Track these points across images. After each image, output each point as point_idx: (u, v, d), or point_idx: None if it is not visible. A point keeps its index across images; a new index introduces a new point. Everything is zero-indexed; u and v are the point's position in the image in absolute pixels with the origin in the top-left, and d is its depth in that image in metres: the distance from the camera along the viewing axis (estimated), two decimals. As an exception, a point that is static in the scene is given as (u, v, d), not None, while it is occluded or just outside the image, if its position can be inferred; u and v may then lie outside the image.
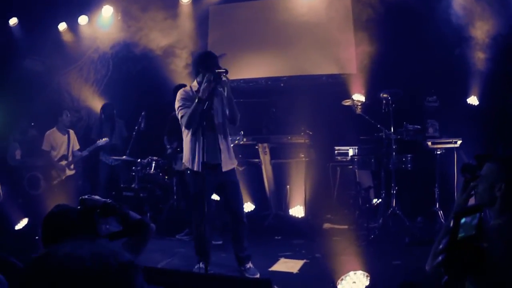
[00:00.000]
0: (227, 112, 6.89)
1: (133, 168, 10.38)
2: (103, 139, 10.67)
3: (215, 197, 7.75)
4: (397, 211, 8.66)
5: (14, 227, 8.40)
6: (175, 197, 10.20)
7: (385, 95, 8.91)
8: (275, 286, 5.41)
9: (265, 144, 10.34)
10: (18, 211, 8.64)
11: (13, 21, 11.61)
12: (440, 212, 8.65)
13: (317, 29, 11.19)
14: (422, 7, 9.93)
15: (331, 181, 10.52)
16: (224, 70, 6.54)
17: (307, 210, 10.04)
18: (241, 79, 11.71)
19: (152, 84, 11.67)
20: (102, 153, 11.05)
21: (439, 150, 8.99)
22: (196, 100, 6.58)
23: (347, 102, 9.43)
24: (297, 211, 10.11)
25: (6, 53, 11.52)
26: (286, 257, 7.95)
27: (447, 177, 8.89)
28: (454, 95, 9.83)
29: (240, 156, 10.15)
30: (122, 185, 10.63)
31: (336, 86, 10.91)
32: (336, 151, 10.37)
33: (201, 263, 6.80)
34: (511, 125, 9.24)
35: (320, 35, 11.24)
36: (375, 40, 10.34)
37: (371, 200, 9.69)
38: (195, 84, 6.96)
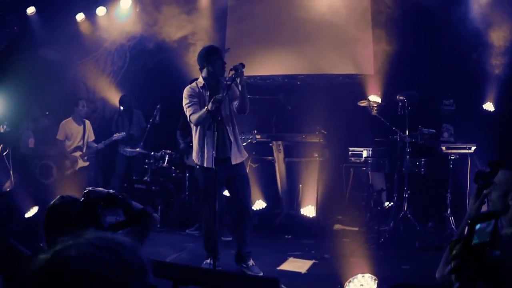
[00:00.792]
0: (236, 103, 6.90)
1: (146, 160, 10.39)
2: (120, 133, 10.69)
3: (226, 193, 7.75)
4: (409, 215, 8.61)
5: (24, 215, 8.42)
6: (187, 191, 10.19)
7: (401, 98, 8.86)
8: (282, 285, 5.38)
9: (279, 142, 10.29)
10: (29, 199, 8.66)
11: (30, 10, 11.62)
12: (452, 218, 8.57)
13: (336, 28, 11.13)
14: (440, 10, 9.86)
15: (343, 182, 10.49)
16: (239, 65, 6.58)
17: (318, 210, 10.00)
18: (257, 76, 11.67)
19: (168, 78, 11.64)
20: (120, 144, 11.06)
21: (453, 155, 8.91)
22: (205, 110, 6.65)
23: (363, 103, 9.38)
24: (309, 210, 10.07)
25: (23, 42, 11.55)
26: (295, 256, 7.95)
27: (460, 183, 8.82)
28: (470, 100, 9.77)
29: (253, 153, 10.16)
30: (134, 178, 10.65)
31: (353, 86, 10.87)
32: (350, 152, 10.31)
33: (209, 259, 6.79)
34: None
35: (338, 34, 11.19)
36: (393, 41, 10.28)
37: (383, 203, 9.65)
38: (200, 80, 7.01)
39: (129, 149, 10.79)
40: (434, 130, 9.11)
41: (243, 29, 11.92)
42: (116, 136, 10.66)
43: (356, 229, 9.43)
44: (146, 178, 10.25)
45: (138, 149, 10.47)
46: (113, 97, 12.18)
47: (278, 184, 10.51)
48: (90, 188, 3.21)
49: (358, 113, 9.74)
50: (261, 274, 6.84)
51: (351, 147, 10.27)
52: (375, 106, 9.30)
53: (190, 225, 9.57)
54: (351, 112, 10.03)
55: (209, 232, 6.89)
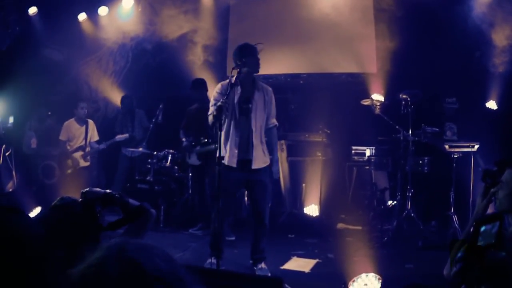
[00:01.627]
0: (268, 120, 7.01)
1: (149, 160, 10.38)
2: (123, 134, 10.70)
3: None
4: (412, 214, 8.60)
5: (26, 216, 8.41)
6: (189, 191, 10.18)
7: (404, 96, 8.85)
8: (286, 285, 5.38)
9: (282, 141, 10.29)
10: (32, 200, 8.65)
11: (32, 10, 11.61)
12: (455, 217, 8.54)
13: (338, 27, 11.12)
14: (443, 9, 9.85)
15: (347, 181, 10.48)
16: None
17: (321, 209, 10.00)
18: (260, 75, 11.64)
19: (171, 77, 11.65)
20: (122, 145, 11.06)
21: (456, 153, 8.88)
22: (210, 112, 6.79)
23: (366, 102, 9.37)
24: (312, 209, 10.07)
25: (25, 42, 11.55)
26: (299, 256, 7.95)
27: (463, 181, 8.81)
28: (473, 98, 9.76)
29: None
30: (137, 177, 10.64)
31: (356, 85, 10.85)
32: (353, 151, 10.31)
33: (213, 258, 6.77)
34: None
35: (341, 33, 11.18)
36: (396, 40, 10.27)
37: (386, 202, 9.63)
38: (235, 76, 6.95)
39: (131, 149, 10.78)
40: (437, 129, 9.09)
41: (246, 28, 11.89)
42: (119, 137, 10.68)
43: (360, 228, 9.43)
44: (149, 177, 10.23)
45: (140, 149, 10.46)
46: (116, 96, 12.16)
47: (281, 183, 10.49)
48: (87, 189, 3.21)
49: (361, 112, 9.72)
50: (269, 275, 6.83)
51: (354, 146, 10.28)
52: (378, 105, 9.29)
53: (193, 224, 9.57)
54: (354, 111, 10.01)
55: (216, 231, 6.86)
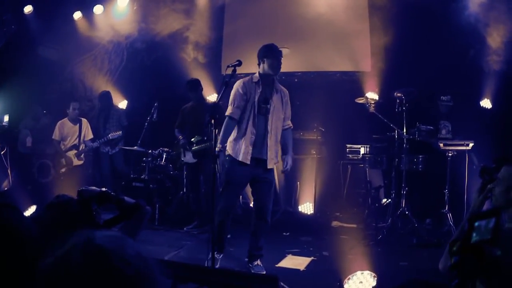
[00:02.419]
0: (284, 122, 7.12)
1: (144, 158, 10.37)
2: (116, 132, 10.68)
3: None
4: (406, 212, 8.61)
5: (21, 214, 8.40)
6: (184, 189, 10.18)
7: (399, 94, 8.85)
8: (281, 283, 5.39)
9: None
10: (27, 198, 8.64)
11: (28, 8, 11.59)
12: (449, 215, 8.57)
13: (333, 25, 11.14)
14: (438, 7, 9.88)
15: (341, 179, 10.49)
16: (236, 63, 6.60)
17: (316, 207, 10.03)
18: (254, 73, 11.66)
19: (166, 76, 11.66)
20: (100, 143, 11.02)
21: (450, 152, 8.90)
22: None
23: (360, 100, 9.39)
24: (306, 207, 10.09)
25: (21, 41, 11.53)
26: (294, 253, 7.95)
27: (457, 179, 8.84)
28: (468, 97, 9.78)
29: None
30: (132, 175, 10.64)
31: (350, 83, 10.89)
32: (347, 149, 10.34)
33: (215, 252, 6.73)
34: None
35: (335, 31, 11.20)
36: (391, 38, 10.29)
37: (381, 200, 9.67)
38: (256, 75, 6.94)
39: (108, 148, 10.88)
40: (431, 127, 9.09)
41: (240, 27, 11.91)
42: (113, 135, 10.65)
43: (354, 226, 9.44)
44: (143, 176, 10.23)
45: (135, 147, 10.41)
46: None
47: (275, 181, 10.50)
48: (83, 187, 3.23)
49: (356, 110, 9.74)
50: (264, 273, 6.83)
51: (349, 144, 10.31)
52: (373, 103, 9.30)
53: (188, 222, 9.57)
54: (348, 109, 10.03)
55: (221, 225, 6.87)
